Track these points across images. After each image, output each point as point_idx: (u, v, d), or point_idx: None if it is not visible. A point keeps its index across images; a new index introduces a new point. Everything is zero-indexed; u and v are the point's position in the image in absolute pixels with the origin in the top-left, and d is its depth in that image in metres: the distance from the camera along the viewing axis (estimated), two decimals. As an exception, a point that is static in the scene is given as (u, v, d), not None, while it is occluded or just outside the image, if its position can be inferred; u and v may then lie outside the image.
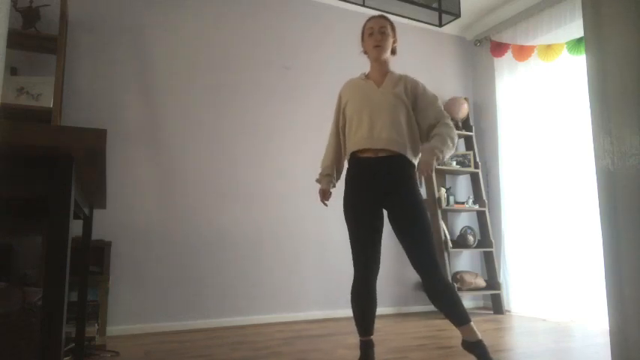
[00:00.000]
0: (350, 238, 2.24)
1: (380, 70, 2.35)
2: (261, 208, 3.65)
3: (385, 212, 2.26)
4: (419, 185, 2.24)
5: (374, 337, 2.24)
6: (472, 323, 2.10)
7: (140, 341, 2.88)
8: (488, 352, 2.08)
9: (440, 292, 2.11)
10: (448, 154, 2.21)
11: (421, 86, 2.34)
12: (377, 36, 2.32)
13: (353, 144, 2.24)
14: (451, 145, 2.20)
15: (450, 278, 3.87)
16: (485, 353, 2.07)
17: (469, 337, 2.10)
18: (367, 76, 2.38)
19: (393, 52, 2.43)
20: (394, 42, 2.41)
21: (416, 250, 2.15)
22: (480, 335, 2.09)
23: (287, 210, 3.71)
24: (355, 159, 2.24)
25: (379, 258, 2.25)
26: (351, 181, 2.26)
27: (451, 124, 2.26)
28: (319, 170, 2.42)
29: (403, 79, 2.34)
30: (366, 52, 2.41)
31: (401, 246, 2.21)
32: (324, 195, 2.37)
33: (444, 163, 4.31)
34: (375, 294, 2.23)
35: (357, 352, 2.52)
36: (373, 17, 2.41)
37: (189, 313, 3.32)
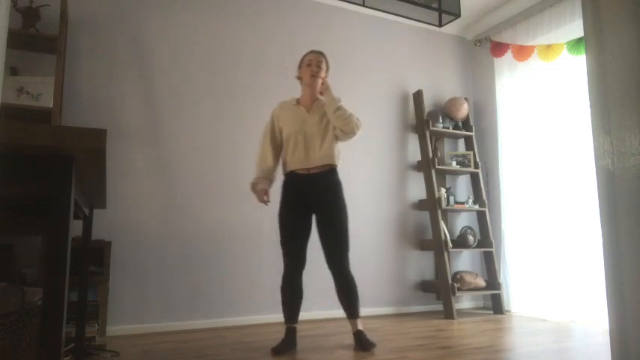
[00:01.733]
0: (281, 240, 2.66)
1: (311, 97, 2.77)
2: (261, 208, 3.64)
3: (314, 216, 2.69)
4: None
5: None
6: (359, 320, 2.63)
7: (140, 341, 2.88)
8: (365, 336, 2.59)
9: (346, 285, 2.59)
10: (342, 114, 2.62)
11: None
12: (314, 67, 2.73)
13: (291, 164, 2.67)
14: (350, 116, 2.63)
15: (450, 278, 3.87)
16: (365, 337, 2.58)
17: (354, 327, 2.63)
18: (298, 102, 2.80)
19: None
20: (325, 77, 2.80)
21: (332, 247, 2.59)
22: (360, 326, 2.62)
23: (287, 210, 3.71)
24: (292, 174, 2.68)
25: (306, 256, 2.66)
26: (287, 193, 2.69)
27: (357, 120, 2.68)
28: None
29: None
30: (300, 79, 2.82)
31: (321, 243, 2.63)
32: (267, 194, 2.73)
33: (444, 163, 4.31)
34: (302, 287, 2.66)
35: (357, 352, 2.53)
36: (313, 51, 2.82)
37: (189, 313, 3.32)
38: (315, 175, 2.64)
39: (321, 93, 2.74)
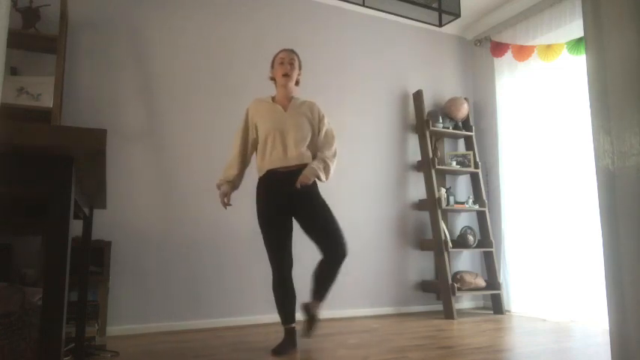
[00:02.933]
0: (265, 242, 2.61)
1: (286, 96, 2.74)
2: (261, 208, 3.65)
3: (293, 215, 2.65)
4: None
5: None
6: (319, 303, 2.60)
7: (140, 341, 2.88)
8: (314, 320, 2.61)
9: (340, 258, 2.52)
10: (324, 176, 2.64)
11: (320, 110, 2.78)
12: (286, 66, 2.70)
13: (269, 163, 2.62)
14: (328, 169, 2.65)
15: (450, 278, 3.87)
16: (311, 319, 2.60)
17: (314, 308, 2.60)
18: (274, 100, 2.76)
19: (297, 83, 2.81)
20: (299, 74, 2.79)
21: (327, 227, 2.55)
22: (318, 311, 2.62)
23: (287, 210, 3.71)
24: (270, 173, 2.63)
25: (292, 254, 2.63)
26: (265, 191, 2.64)
27: (333, 153, 2.72)
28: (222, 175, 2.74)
29: (307, 103, 2.76)
30: (273, 79, 2.79)
31: (312, 238, 2.60)
32: (228, 197, 2.69)
33: (444, 163, 4.32)
34: (293, 286, 2.62)
35: (357, 352, 2.53)
36: (285, 50, 2.78)
37: (189, 313, 3.32)
38: (294, 172, 2.58)
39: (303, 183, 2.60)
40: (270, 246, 2.61)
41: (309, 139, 2.67)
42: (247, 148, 2.74)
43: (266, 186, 2.65)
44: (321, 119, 2.76)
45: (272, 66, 2.80)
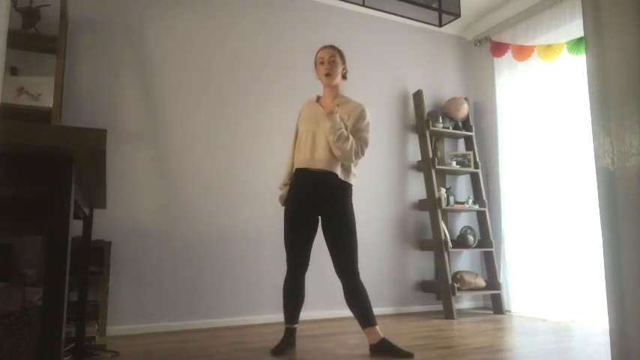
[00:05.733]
0: (285, 240, 2.59)
1: (330, 95, 2.65)
2: (261, 207, 3.65)
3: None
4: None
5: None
6: (377, 327, 2.49)
7: (140, 341, 2.88)
8: (395, 344, 2.44)
9: (356, 293, 2.50)
10: (337, 140, 2.48)
11: (362, 114, 2.63)
12: (327, 65, 2.61)
13: (297, 161, 2.62)
14: (346, 145, 2.49)
15: (450, 278, 3.87)
16: (392, 346, 2.43)
17: (374, 340, 2.47)
18: (318, 100, 2.71)
19: (344, 77, 2.72)
20: (344, 69, 2.70)
21: (341, 257, 2.51)
22: (382, 334, 2.47)
23: (287, 210, 3.71)
24: (299, 171, 2.60)
25: (309, 258, 2.60)
26: (294, 191, 2.61)
27: (361, 149, 2.57)
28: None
29: (349, 106, 2.63)
30: (319, 79, 2.69)
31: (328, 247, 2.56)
32: (282, 200, 2.69)
33: (444, 163, 4.32)
34: (304, 288, 2.61)
35: (357, 352, 2.53)
36: (324, 47, 2.68)
37: (189, 313, 3.32)
38: (318, 174, 2.53)
39: (329, 112, 2.51)
40: (290, 244, 2.58)
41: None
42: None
43: (295, 185, 2.62)
44: (356, 121, 2.59)
45: (315, 65, 2.70)
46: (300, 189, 2.59)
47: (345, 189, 2.58)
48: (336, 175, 2.53)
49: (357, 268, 2.53)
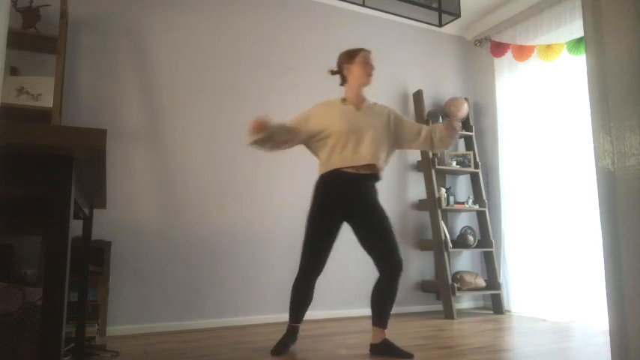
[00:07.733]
0: (306, 240, 2.54)
1: (359, 96, 2.66)
2: (261, 207, 3.65)
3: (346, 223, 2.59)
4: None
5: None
6: (385, 331, 2.52)
7: (140, 341, 2.88)
8: (395, 344, 2.47)
9: (392, 293, 2.57)
10: (448, 145, 2.67)
11: (393, 109, 2.73)
12: (371, 67, 2.64)
13: (337, 161, 2.50)
14: (445, 143, 2.65)
15: (449, 278, 3.87)
16: (392, 346, 2.46)
17: (377, 340, 2.51)
18: (344, 101, 2.65)
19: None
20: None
21: (391, 250, 2.51)
22: (386, 335, 2.51)
23: (287, 210, 3.71)
24: (335, 172, 2.50)
25: (326, 262, 2.56)
26: (326, 190, 2.53)
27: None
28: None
29: (378, 105, 2.70)
30: (339, 73, 2.70)
31: (368, 248, 2.59)
32: (262, 125, 2.44)
33: (444, 163, 4.32)
34: (313, 291, 2.58)
35: (358, 352, 2.53)
36: (368, 50, 2.70)
37: (189, 313, 3.32)
38: (361, 175, 2.50)
39: (449, 134, 2.56)
40: (310, 247, 2.52)
41: (383, 139, 2.56)
42: (297, 127, 2.59)
43: (327, 184, 2.53)
44: (392, 112, 2.68)
45: (348, 62, 2.65)
46: (335, 190, 2.51)
47: (377, 188, 2.63)
48: (378, 174, 2.56)
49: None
